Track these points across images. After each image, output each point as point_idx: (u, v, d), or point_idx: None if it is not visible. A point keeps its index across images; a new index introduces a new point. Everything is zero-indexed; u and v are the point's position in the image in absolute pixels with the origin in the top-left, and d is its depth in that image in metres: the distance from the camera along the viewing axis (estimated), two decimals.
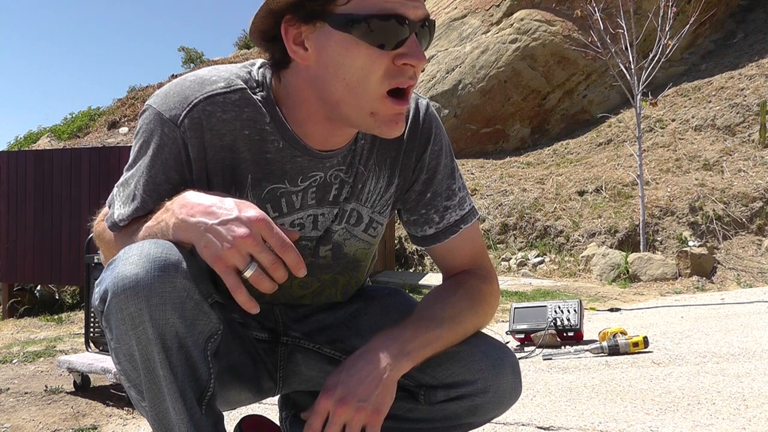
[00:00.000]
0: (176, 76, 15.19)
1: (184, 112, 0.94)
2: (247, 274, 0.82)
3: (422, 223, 1.11)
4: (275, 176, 1.00)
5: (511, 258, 7.62)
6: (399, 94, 0.91)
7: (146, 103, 0.98)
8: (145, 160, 0.95)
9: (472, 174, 9.77)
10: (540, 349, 3.07)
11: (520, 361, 1.15)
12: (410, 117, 1.08)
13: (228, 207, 0.84)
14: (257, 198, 0.99)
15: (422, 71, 1.04)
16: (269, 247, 0.83)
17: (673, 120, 9.34)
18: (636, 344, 2.85)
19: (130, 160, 0.98)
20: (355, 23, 0.86)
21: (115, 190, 1.01)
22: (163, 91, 0.97)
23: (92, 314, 2.72)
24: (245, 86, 0.98)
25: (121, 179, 0.99)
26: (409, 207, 1.12)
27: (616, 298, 5.53)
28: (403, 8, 0.87)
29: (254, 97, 0.98)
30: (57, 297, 7.04)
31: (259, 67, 1.02)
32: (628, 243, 7.08)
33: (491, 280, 1.12)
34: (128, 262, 0.83)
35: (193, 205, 0.86)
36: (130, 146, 0.99)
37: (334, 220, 1.07)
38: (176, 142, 0.94)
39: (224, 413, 0.99)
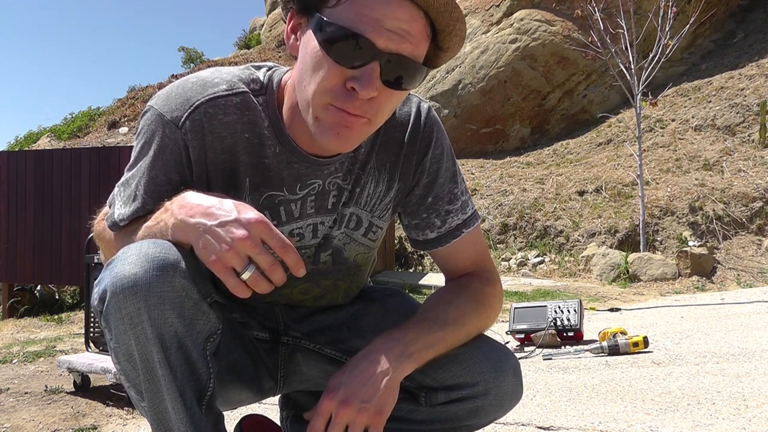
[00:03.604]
0: (176, 76, 15.21)
1: (186, 113, 0.94)
2: (245, 276, 0.82)
3: (424, 227, 1.11)
4: (273, 182, 1.00)
5: (511, 258, 7.61)
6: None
7: (148, 103, 0.98)
8: (146, 161, 0.95)
9: (472, 174, 9.77)
10: (540, 349, 3.07)
11: (520, 361, 1.15)
12: (411, 120, 1.07)
13: (227, 209, 0.84)
14: (255, 203, 0.98)
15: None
16: (268, 249, 0.83)
17: (673, 120, 9.34)
18: (636, 344, 2.85)
19: (131, 161, 0.98)
20: (323, 29, 0.84)
21: (116, 189, 1.01)
22: (165, 92, 0.97)
23: (92, 314, 2.72)
24: (247, 89, 0.98)
25: (122, 179, 0.99)
26: (410, 211, 1.11)
27: (616, 298, 5.53)
28: (373, 33, 0.82)
29: (255, 100, 0.98)
30: (57, 297, 7.03)
31: (267, 70, 1.02)
32: (628, 243, 7.08)
33: (494, 283, 1.11)
34: (127, 261, 0.83)
35: (193, 206, 0.86)
36: (131, 146, 0.99)
37: (333, 225, 1.07)
38: (177, 143, 0.94)
39: (225, 413, 0.99)
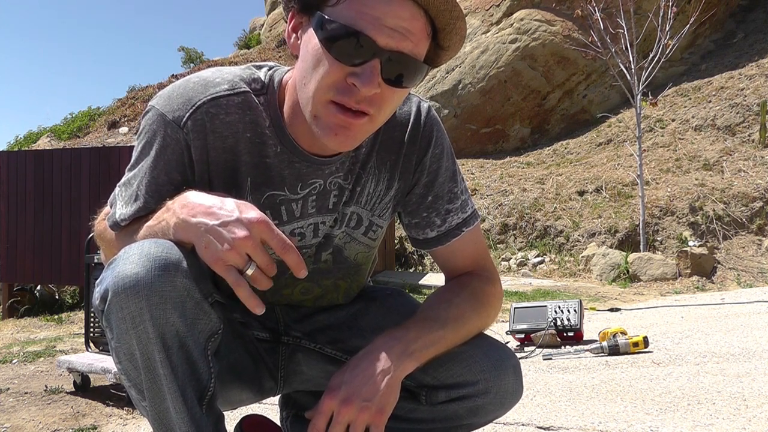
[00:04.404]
0: (176, 76, 15.19)
1: (188, 113, 0.94)
2: (248, 272, 0.83)
3: (424, 226, 1.11)
4: (274, 182, 1.00)
5: (511, 258, 7.61)
6: (346, 108, 0.87)
7: (149, 103, 0.98)
8: (148, 161, 0.95)
9: (472, 174, 9.77)
10: (540, 349, 3.07)
11: (520, 361, 1.15)
12: (411, 120, 1.07)
13: (229, 208, 0.84)
14: (256, 203, 0.99)
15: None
16: (268, 248, 0.84)
17: (673, 120, 9.34)
18: (636, 344, 2.85)
19: (132, 160, 0.98)
20: (323, 27, 0.85)
21: (117, 189, 1.01)
22: (167, 92, 0.97)
23: (92, 314, 2.72)
24: (248, 89, 0.98)
25: (124, 179, 0.99)
26: (410, 210, 1.12)
27: (616, 298, 5.53)
28: (373, 31, 0.82)
29: (256, 99, 0.98)
30: (57, 297, 7.03)
31: (268, 69, 1.02)
32: (628, 243, 7.08)
33: (494, 282, 1.12)
34: (129, 261, 0.83)
35: (194, 205, 0.86)
36: (131, 146, 0.99)
37: (333, 225, 1.07)
38: (179, 143, 0.94)
39: (225, 413, 0.99)
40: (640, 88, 7.20)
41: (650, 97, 7.49)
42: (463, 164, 10.10)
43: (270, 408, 1.89)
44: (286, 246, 0.84)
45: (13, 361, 3.36)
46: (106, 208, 1.05)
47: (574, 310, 3.24)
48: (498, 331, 3.35)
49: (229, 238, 0.82)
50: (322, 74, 0.86)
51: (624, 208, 7.62)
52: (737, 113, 8.78)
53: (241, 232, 0.82)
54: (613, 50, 7.49)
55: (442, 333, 0.99)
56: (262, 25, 19.63)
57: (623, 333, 2.97)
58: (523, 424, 1.83)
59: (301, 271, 0.85)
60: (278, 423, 1.28)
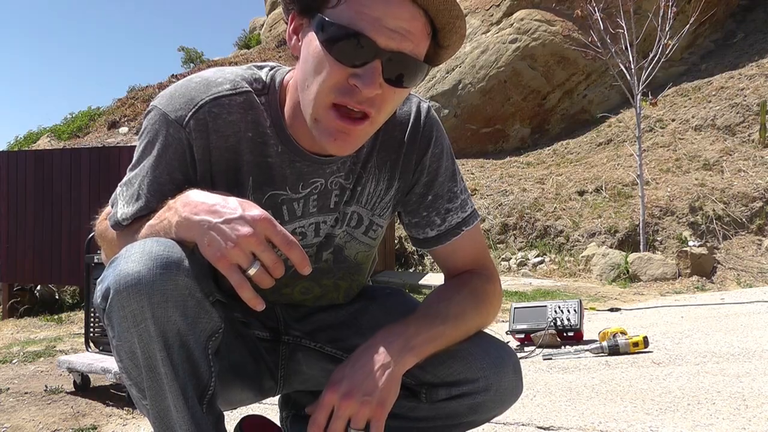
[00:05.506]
0: (176, 76, 15.18)
1: (190, 113, 0.94)
2: (251, 272, 0.83)
3: (423, 226, 1.11)
4: (276, 181, 1.00)
5: (511, 258, 7.62)
6: (346, 112, 0.88)
7: (151, 103, 0.98)
8: (150, 160, 0.96)
9: (472, 174, 9.77)
10: (540, 349, 3.07)
11: (520, 360, 1.15)
12: (411, 120, 1.08)
13: (232, 206, 0.84)
14: (258, 202, 0.98)
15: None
16: (272, 246, 0.84)
17: (673, 120, 9.34)
18: (636, 344, 2.85)
19: (134, 160, 0.99)
20: (324, 29, 0.85)
21: (118, 189, 1.01)
22: (169, 91, 0.97)
23: (92, 314, 2.72)
24: (250, 89, 0.98)
25: (125, 178, 1.00)
26: (410, 209, 1.12)
27: (616, 298, 5.53)
28: (373, 32, 0.83)
29: (258, 99, 0.98)
30: (57, 297, 7.03)
31: (270, 69, 1.02)
32: (628, 243, 7.08)
33: (494, 281, 1.12)
34: (130, 259, 0.83)
35: (197, 203, 0.86)
36: (130, 146, 1.00)
37: (334, 224, 1.07)
38: (181, 142, 0.95)
39: (225, 413, 0.99)
40: (640, 88, 7.20)
41: (650, 97, 7.49)
42: (463, 164, 10.10)
43: (270, 408, 1.89)
44: (290, 242, 0.84)
45: (13, 361, 3.36)
46: (108, 208, 1.05)
47: (574, 310, 3.24)
48: (498, 331, 3.35)
49: (233, 235, 0.82)
50: (323, 76, 0.86)
51: (624, 208, 7.62)
52: (737, 113, 8.78)
53: (244, 230, 0.82)
54: (613, 50, 7.49)
55: (443, 329, 0.99)
56: (262, 25, 19.63)
57: (623, 333, 2.97)
58: (523, 424, 1.83)
59: (305, 267, 0.85)
60: (278, 423, 1.28)
